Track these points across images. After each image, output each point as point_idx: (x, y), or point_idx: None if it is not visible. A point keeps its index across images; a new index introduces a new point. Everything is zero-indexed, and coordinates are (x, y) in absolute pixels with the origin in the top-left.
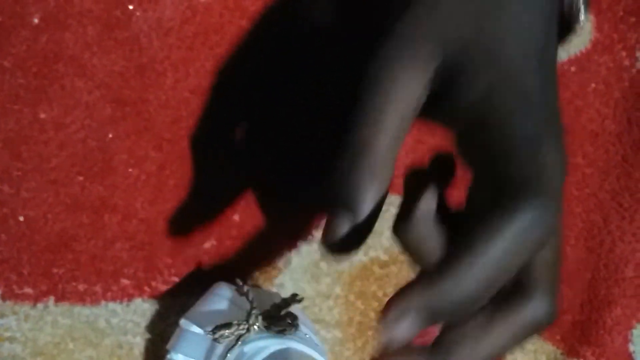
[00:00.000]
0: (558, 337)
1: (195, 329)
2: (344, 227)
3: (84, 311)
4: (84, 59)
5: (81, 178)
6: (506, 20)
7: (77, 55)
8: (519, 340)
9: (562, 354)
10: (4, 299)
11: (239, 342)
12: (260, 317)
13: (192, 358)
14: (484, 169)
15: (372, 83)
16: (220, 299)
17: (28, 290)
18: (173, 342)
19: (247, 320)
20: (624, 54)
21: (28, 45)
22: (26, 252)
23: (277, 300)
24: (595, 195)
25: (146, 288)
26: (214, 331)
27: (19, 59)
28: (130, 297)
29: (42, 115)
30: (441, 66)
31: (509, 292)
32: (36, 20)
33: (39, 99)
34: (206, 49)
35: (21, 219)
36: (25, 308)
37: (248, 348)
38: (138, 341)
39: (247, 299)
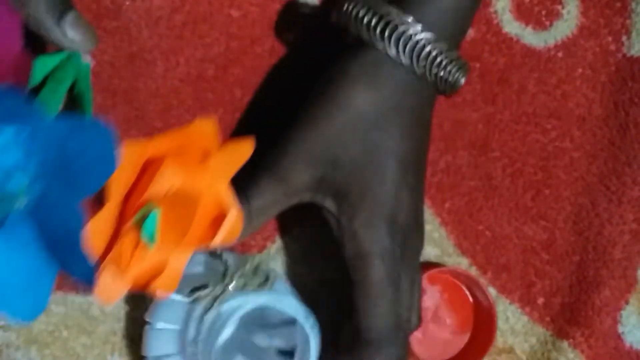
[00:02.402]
0: (548, 319)
1: (173, 296)
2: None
3: (77, 299)
4: None
5: None
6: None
7: None
8: None
9: (551, 335)
10: None
11: (216, 303)
12: (235, 276)
13: (172, 324)
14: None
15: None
16: (195, 264)
17: None
18: (151, 311)
19: (223, 281)
20: (610, 38)
21: None
22: None
23: (251, 261)
24: (583, 178)
25: None
26: (190, 294)
27: None
28: None
29: None
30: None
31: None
32: None
33: None
34: (195, 38)
35: None
36: None
37: (225, 308)
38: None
39: (221, 260)
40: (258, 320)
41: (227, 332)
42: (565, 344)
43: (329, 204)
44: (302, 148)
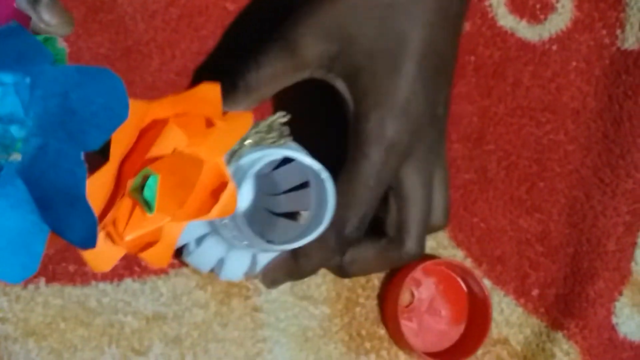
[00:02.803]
0: (542, 310)
1: None
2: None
3: (74, 291)
4: (69, 42)
5: None
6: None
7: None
8: (394, 266)
9: (546, 326)
10: None
11: (234, 158)
12: (250, 133)
13: None
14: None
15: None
16: None
17: None
18: None
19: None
20: (604, 32)
21: None
22: None
23: (265, 120)
24: (577, 171)
25: (136, 268)
26: None
27: None
28: (120, 277)
29: None
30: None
31: (392, 239)
32: None
33: None
34: (191, 31)
35: None
36: (16, 289)
37: (244, 161)
38: (129, 320)
39: None
40: (269, 190)
41: (246, 186)
42: (559, 335)
43: (340, 85)
44: (315, 20)
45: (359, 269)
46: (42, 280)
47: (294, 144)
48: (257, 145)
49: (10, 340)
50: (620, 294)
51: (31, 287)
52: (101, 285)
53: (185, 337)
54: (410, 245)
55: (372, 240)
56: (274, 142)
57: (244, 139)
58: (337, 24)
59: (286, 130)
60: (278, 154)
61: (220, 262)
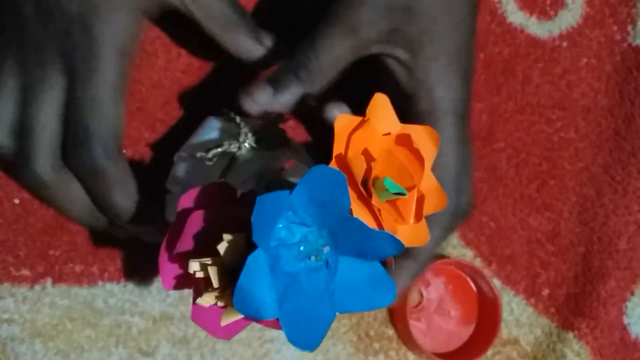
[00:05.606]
0: (553, 310)
1: (191, 160)
2: None
3: (81, 292)
4: None
5: None
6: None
7: None
8: (452, 230)
9: (556, 326)
10: (1, 281)
11: (234, 162)
12: (250, 135)
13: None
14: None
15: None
16: (211, 130)
17: (25, 272)
18: (171, 178)
19: (238, 140)
20: (615, 28)
21: None
22: (22, 234)
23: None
24: (588, 169)
25: None
26: (206, 153)
27: None
28: (127, 278)
29: None
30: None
31: None
32: None
33: None
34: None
35: (16, 201)
36: (22, 290)
37: (241, 164)
38: (136, 320)
39: (236, 122)
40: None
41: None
42: (570, 335)
43: (401, 54)
44: None
45: None
46: (49, 280)
47: (292, 143)
48: (255, 147)
49: (17, 341)
50: (632, 293)
51: (37, 287)
52: (108, 285)
53: (193, 337)
54: (455, 199)
55: None
56: (274, 146)
57: (242, 142)
58: None
59: (283, 131)
60: (274, 156)
61: None
